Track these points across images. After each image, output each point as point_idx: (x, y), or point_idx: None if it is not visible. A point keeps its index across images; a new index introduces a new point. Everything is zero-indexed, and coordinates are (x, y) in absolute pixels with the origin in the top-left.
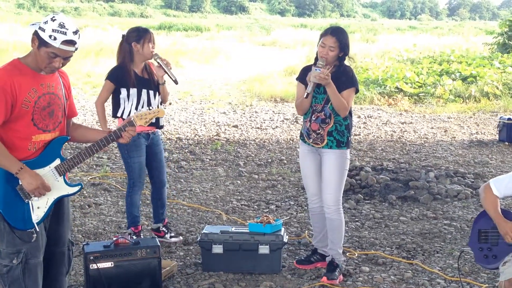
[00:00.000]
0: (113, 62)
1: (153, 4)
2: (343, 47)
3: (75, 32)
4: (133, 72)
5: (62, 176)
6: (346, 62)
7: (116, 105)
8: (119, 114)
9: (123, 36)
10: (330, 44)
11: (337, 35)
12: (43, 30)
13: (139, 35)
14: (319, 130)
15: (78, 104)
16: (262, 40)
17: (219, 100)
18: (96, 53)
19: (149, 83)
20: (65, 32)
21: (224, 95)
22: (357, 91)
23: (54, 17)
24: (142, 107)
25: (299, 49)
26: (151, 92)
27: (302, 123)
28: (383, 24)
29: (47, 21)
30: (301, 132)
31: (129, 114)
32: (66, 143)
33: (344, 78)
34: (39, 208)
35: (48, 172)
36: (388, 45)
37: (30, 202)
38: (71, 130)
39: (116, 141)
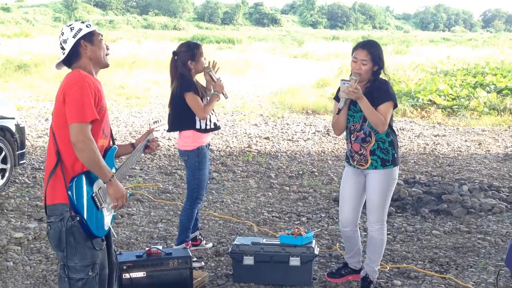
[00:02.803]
0: (146, 74)
1: (186, 17)
2: (376, 60)
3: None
4: (197, 83)
5: None
6: (382, 76)
7: (187, 117)
8: (197, 126)
9: (174, 53)
10: (362, 58)
11: (369, 48)
12: (80, 30)
13: (192, 53)
14: (361, 150)
15: (111, 115)
16: (294, 52)
17: (250, 112)
18: (129, 65)
19: (204, 91)
20: (82, 21)
21: (255, 107)
22: (395, 105)
23: (66, 27)
24: (212, 113)
25: (331, 61)
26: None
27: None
28: (416, 36)
29: (72, 27)
30: (346, 154)
31: (206, 124)
32: None
33: (379, 93)
34: (106, 216)
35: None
36: (421, 57)
37: (103, 210)
38: None
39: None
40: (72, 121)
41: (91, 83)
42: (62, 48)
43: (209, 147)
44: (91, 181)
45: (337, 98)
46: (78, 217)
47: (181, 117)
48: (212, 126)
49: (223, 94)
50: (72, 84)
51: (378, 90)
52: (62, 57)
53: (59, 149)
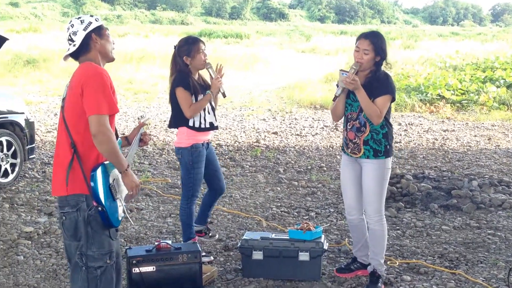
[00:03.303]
0: (154, 69)
1: (194, 12)
2: (378, 51)
3: None
4: (193, 79)
5: None
6: (384, 68)
7: (181, 114)
8: (190, 124)
9: (175, 47)
10: (364, 47)
11: (371, 38)
12: (90, 23)
13: (188, 48)
14: (355, 139)
15: (120, 110)
16: (302, 47)
17: (259, 106)
18: (137, 60)
19: (207, 89)
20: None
21: (263, 101)
22: (393, 99)
23: (75, 19)
24: (209, 113)
25: (340, 56)
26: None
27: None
28: (425, 31)
29: (82, 20)
30: (342, 141)
31: (200, 122)
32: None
33: (378, 85)
34: (120, 206)
35: (118, 173)
36: (430, 51)
37: (117, 200)
38: None
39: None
40: (92, 113)
41: (107, 76)
42: (71, 40)
43: (208, 146)
44: (107, 172)
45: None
46: (100, 207)
47: (177, 113)
48: (207, 126)
49: (221, 93)
50: (91, 76)
51: (378, 82)
52: (73, 49)
53: (74, 140)
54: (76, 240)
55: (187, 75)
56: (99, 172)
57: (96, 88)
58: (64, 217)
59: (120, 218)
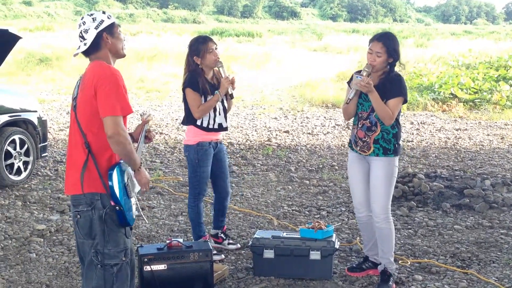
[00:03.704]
0: (166, 68)
1: (206, 10)
2: (391, 53)
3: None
4: (205, 79)
5: None
6: (397, 69)
7: (190, 113)
8: (198, 123)
9: (188, 47)
10: (377, 50)
11: (384, 40)
12: (102, 22)
13: (198, 48)
14: (365, 137)
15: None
16: (314, 46)
17: (270, 105)
18: (149, 58)
19: (218, 88)
20: (103, 12)
21: (275, 100)
22: (405, 101)
23: (87, 16)
24: (219, 114)
25: (351, 55)
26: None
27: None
28: (437, 29)
29: (95, 18)
30: (350, 139)
31: (208, 123)
32: None
33: (391, 86)
34: (134, 204)
35: (131, 171)
36: (442, 50)
37: (133, 199)
38: None
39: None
40: (106, 114)
41: (121, 78)
42: (83, 38)
43: (217, 145)
44: (122, 171)
45: (350, 83)
46: (117, 207)
47: (188, 112)
48: (216, 127)
49: (228, 94)
50: (104, 77)
51: (391, 84)
52: (84, 47)
53: (88, 141)
54: (90, 239)
55: (198, 75)
56: (116, 171)
57: (109, 89)
58: (79, 216)
59: (134, 216)
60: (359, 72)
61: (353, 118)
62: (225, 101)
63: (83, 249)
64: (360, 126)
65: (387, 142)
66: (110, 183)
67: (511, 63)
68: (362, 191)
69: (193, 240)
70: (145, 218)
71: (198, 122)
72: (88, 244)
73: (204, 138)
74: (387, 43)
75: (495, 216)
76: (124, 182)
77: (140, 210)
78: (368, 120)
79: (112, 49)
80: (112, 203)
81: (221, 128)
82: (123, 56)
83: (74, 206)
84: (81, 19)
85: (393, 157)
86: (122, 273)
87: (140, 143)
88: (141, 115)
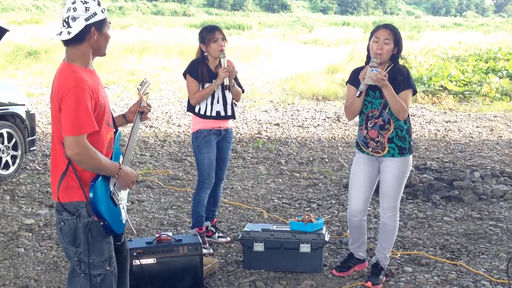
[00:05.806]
0: (156, 61)
1: (196, 3)
2: (398, 41)
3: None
4: (206, 67)
5: None
6: (400, 61)
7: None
8: (196, 110)
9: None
10: (385, 37)
11: (391, 27)
12: (94, 14)
13: (204, 36)
14: (378, 137)
15: (121, 102)
16: (304, 38)
17: (260, 98)
18: (139, 51)
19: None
20: (98, 3)
21: (265, 93)
22: (414, 92)
23: (80, 3)
24: (218, 102)
25: (341, 47)
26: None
27: (357, 131)
28: (427, 21)
29: (88, 8)
30: (356, 141)
31: (206, 110)
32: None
33: (401, 78)
34: (122, 209)
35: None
36: (432, 42)
37: (121, 205)
38: None
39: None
40: (66, 134)
41: (86, 87)
42: (68, 25)
43: (221, 133)
44: (107, 179)
45: (351, 82)
46: (101, 222)
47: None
48: (213, 114)
49: (223, 85)
50: (67, 91)
51: (402, 76)
52: (66, 36)
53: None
54: (74, 247)
55: (199, 63)
56: (99, 182)
57: (69, 106)
58: (62, 223)
59: (124, 222)
60: (370, 65)
61: (358, 118)
62: (226, 91)
63: (67, 254)
64: (371, 125)
65: (402, 140)
66: (91, 194)
67: (501, 55)
68: (363, 199)
69: (184, 233)
70: (133, 229)
71: (196, 109)
72: (72, 250)
73: (204, 125)
74: (395, 30)
75: (484, 207)
76: (109, 191)
77: (129, 220)
78: (381, 118)
79: (95, 45)
80: (96, 218)
81: (219, 116)
82: (104, 55)
83: (58, 212)
84: (73, 3)
85: (409, 156)
86: (106, 282)
87: (135, 126)
88: (138, 89)
